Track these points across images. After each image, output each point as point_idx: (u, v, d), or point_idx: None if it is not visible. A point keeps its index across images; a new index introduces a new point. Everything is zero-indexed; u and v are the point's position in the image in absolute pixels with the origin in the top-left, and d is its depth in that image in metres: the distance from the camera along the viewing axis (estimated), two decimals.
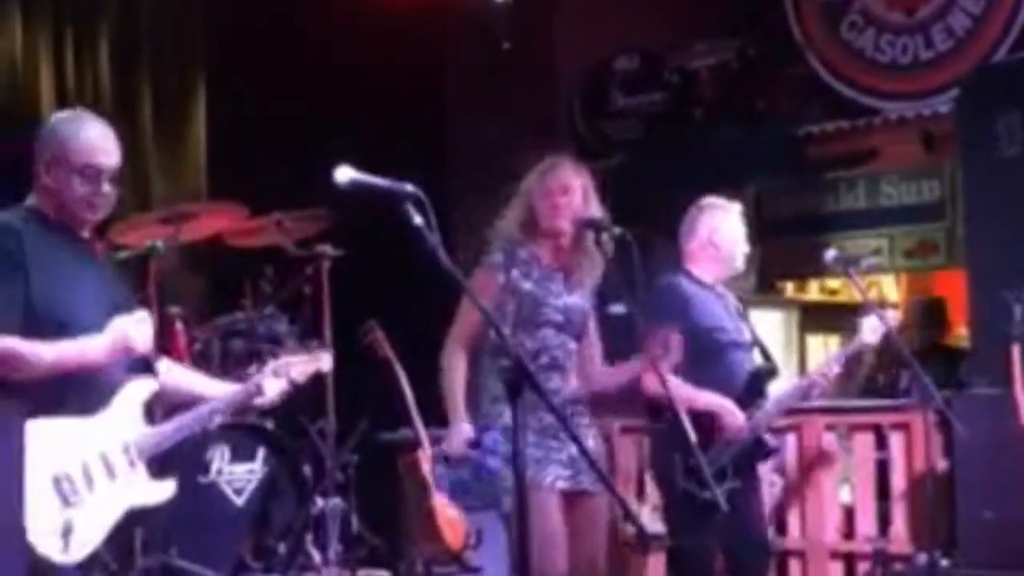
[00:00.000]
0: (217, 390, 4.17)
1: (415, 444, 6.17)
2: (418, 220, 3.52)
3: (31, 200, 3.87)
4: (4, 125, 7.06)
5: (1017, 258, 6.12)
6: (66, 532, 3.60)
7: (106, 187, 3.84)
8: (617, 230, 4.60)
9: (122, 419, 3.80)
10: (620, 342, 5.22)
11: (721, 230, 5.42)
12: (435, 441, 6.23)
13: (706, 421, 5.10)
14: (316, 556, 6.08)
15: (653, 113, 9.12)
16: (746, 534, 5.29)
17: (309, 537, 6.08)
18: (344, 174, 3.59)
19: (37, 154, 3.84)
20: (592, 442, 4.70)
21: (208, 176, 7.88)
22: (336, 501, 6.16)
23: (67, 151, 3.80)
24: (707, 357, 5.21)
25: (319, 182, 3.68)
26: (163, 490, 3.90)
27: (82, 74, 7.64)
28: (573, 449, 4.52)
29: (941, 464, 6.14)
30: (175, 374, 4.17)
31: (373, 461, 6.58)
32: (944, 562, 5.70)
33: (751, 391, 5.30)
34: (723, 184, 8.98)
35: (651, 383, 5.17)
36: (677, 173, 8.67)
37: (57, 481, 3.62)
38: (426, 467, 6.05)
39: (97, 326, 3.74)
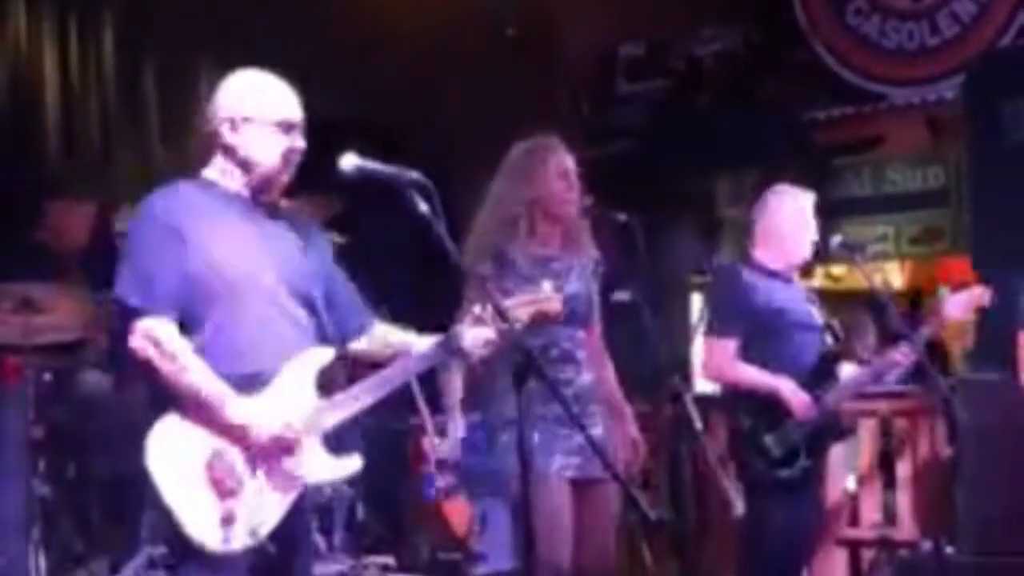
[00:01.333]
0: (415, 345, 3.81)
1: (421, 431, 6.19)
2: (423, 207, 3.52)
3: (205, 172, 3.68)
4: (8, 108, 7.07)
5: (1022, 244, 6.11)
6: (226, 521, 3.40)
7: (300, 141, 3.64)
8: (622, 217, 4.58)
9: (291, 394, 3.55)
10: (625, 329, 5.22)
11: (788, 217, 5.40)
12: (440, 429, 6.25)
13: (776, 402, 5.15)
14: (321, 543, 6.09)
15: (658, 100, 9.11)
16: (809, 514, 5.32)
17: (315, 524, 6.08)
18: (349, 161, 3.58)
19: (214, 118, 3.65)
20: (601, 430, 4.66)
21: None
22: (342, 488, 6.16)
23: (260, 108, 3.61)
24: (774, 339, 5.23)
25: (325, 168, 3.67)
26: (346, 466, 3.62)
27: (86, 58, 7.63)
28: (582, 437, 4.50)
29: (946, 451, 6.14)
30: (375, 341, 3.86)
31: (378, 448, 6.59)
32: (949, 549, 5.70)
33: (820, 373, 5.30)
34: (728, 171, 9.05)
35: (716, 366, 5.23)
36: (682, 160, 8.67)
37: (211, 468, 3.43)
38: (430, 453, 6.06)
39: (272, 293, 3.57)
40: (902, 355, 5.26)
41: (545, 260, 4.63)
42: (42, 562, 5.41)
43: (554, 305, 3.84)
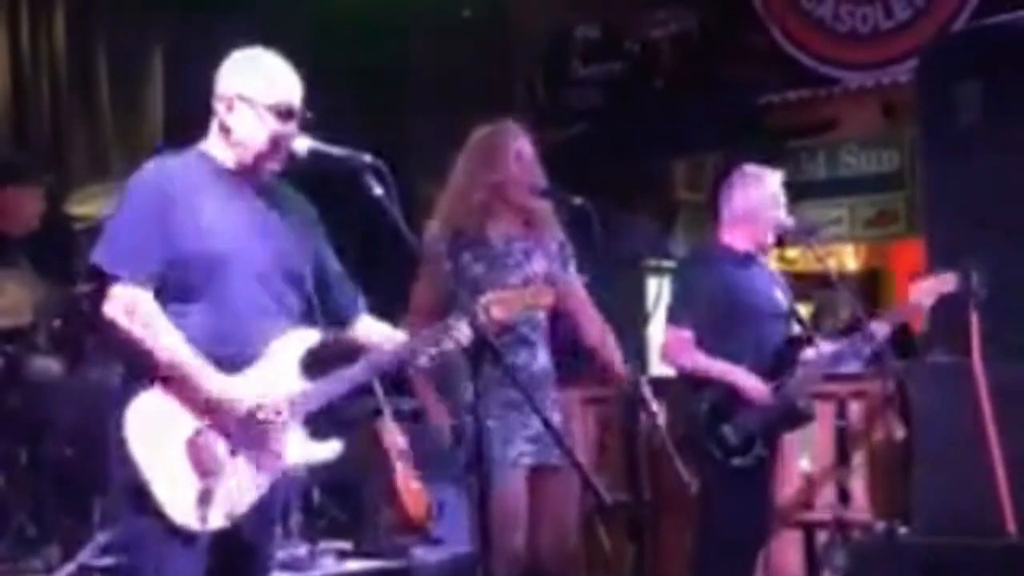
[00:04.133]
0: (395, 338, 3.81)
1: (376, 414, 6.15)
2: (378, 190, 3.50)
3: (203, 144, 3.63)
4: None
5: (975, 226, 6.13)
6: (203, 500, 3.36)
7: (293, 127, 3.58)
8: (577, 200, 4.58)
9: (273, 374, 3.53)
10: None
11: (753, 200, 5.40)
12: (396, 412, 6.23)
13: (733, 390, 5.19)
14: (278, 528, 6.05)
15: (613, 82, 9.09)
16: (763, 501, 5.34)
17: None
18: (302, 144, 3.56)
19: (217, 95, 3.60)
20: (557, 416, 4.66)
21: (166, 144, 7.82)
22: (298, 473, 6.13)
23: (257, 89, 3.56)
24: (737, 325, 5.25)
25: None
26: (326, 450, 3.63)
27: (37, 40, 7.55)
28: (538, 424, 4.50)
29: (900, 433, 6.17)
30: (359, 331, 3.84)
31: (333, 431, 6.54)
32: (903, 530, 5.73)
33: (783, 360, 5.31)
34: (683, 153, 9.06)
35: (672, 355, 5.23)
36: (638, 143, 8.66)
37: (192, 446, 3.39)
38: (387, 437, 6.03)
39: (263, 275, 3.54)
40: (862, 343, 5.29)
41: (508, 241, 4.64)
42: None
43: (547, 298, 3.87)
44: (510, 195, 4.66)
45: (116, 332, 3.42)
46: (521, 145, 4.70)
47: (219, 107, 3.59)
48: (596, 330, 4.76)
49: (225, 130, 3.58)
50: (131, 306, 3.41)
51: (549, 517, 4.59)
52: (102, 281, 3.45)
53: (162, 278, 3.46)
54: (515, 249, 4.66)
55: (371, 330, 3.84)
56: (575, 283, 4.80)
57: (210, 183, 3.56)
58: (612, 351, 4.77)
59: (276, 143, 3.56)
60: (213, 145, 3.62)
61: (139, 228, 3.46)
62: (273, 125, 3.55)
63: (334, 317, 3.77)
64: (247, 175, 3.61)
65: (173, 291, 3.47)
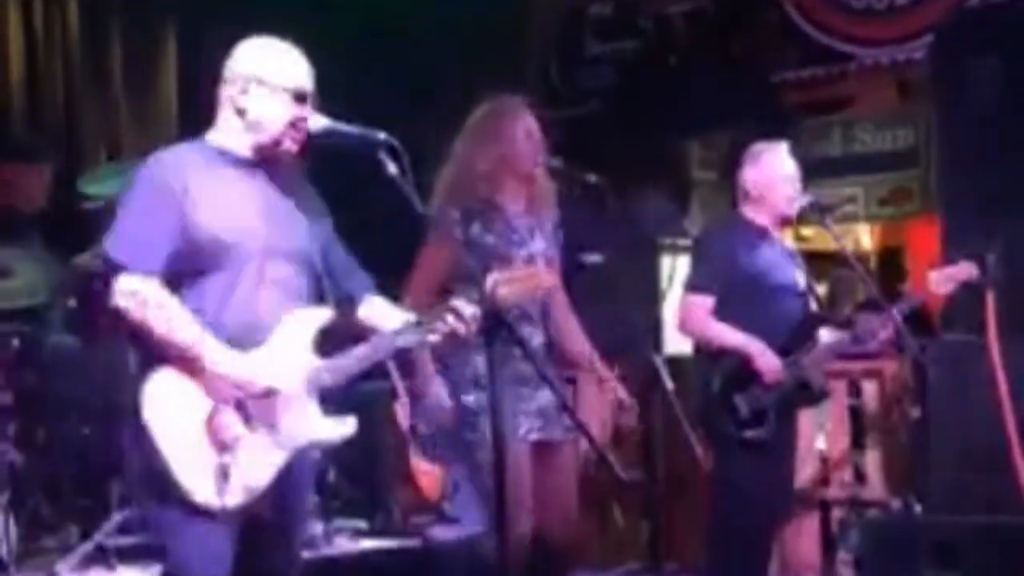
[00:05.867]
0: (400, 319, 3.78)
1: (391, 395, 6.17)
2: (392, 169, 3.51)
3: (210, 133, 3.64)
4: None
5: (991, 205, 6.12)
6: (222, 476, 3.37)
7: (309, 112, 3.59)
8: (592, 178, 4.57)
9: (287, 352, 3.53)
10: (594, 291, 5.22)
11: (763, 175, 5.40)
12: (411, 392, 6.23)
13: (748, 362, 5.18)
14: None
15: (627, 60, 9.07)
16: (778, 477, 5.33)
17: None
18: (317, 122, 3.57)
19: (228, 80, 3.60)
20: (549, 395, 4.65)
21: (179, 125, 7.82)
22: (312, 451, 6.14)
23: (274, 72, 3.56)
24: (754, 300, 5.24)
25: None
26: (342, 427, 3.62)
27: (51, 20, 7.55)
28: (542, 400, 4.51)
29: (915, 412, 6.17)
30: (367, 310, 3.80)
31: (348, 411, 6.55)
32: (918, 507, 5.74)
33: (799, 336, 5.31)
34: (698, 132, 9.03)
35: (690, 322, 5.23)
36: (652, 121, 8.64)
37: (210, 422, 3.40)
38: (402, 418, 6.04)
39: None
40: (881, 326, 5.28)
41: (514, 216, 4.63)
42: (12, 529, 5.38)
43: (547, 279, 3.87)
44: (518, 167, 4.65)
45: (128, 320, 3.43)
46: (527, 119, 4.69)
47: (231, 91, 3.59)
48: (561, 316, 4.77)
49: (240, 112, 3.58)
50: (141, 294, 3.41)
51: (554, 492, 4.59)
52: (112, 271, 3.45)
53: (172, 265, 3.46)
54: (520, 225, 4.65)
55: (382, 311, 3.82)
56: (558, 285, 4.79)
57: (218, 171, 3.56)
58: (575, 339, 4.78)
59: (294, 125, 3.56)
60: (222, 132, 3.63)
61: (147, 218, 3.47)
62: (291, 107, 3.56)
63: (344, 298, 3.77)
64: (260, 161, 3.61)
65: (184, 277, 3.49)
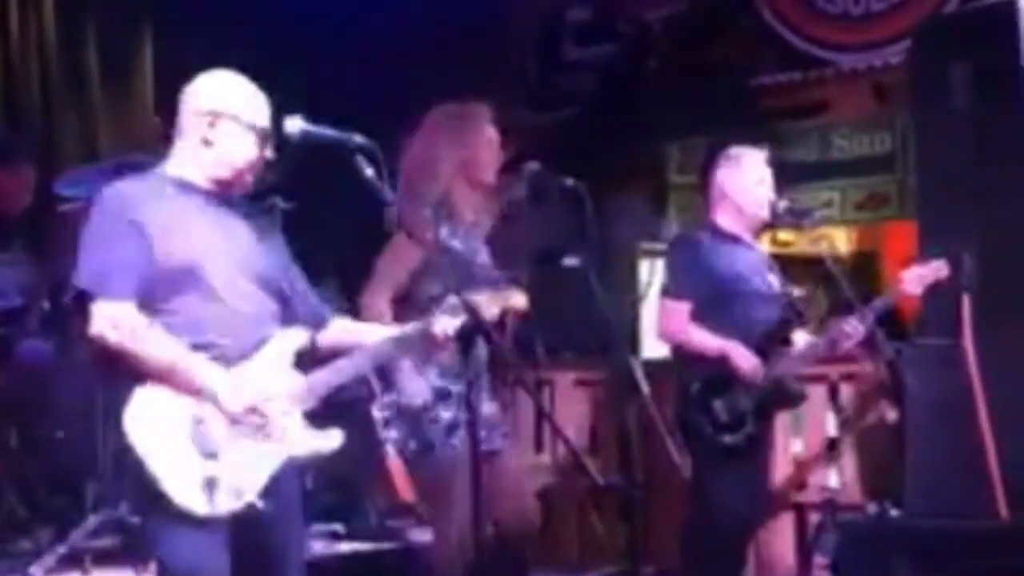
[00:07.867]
0: (382, 335, 3.85)
1: (367, 397, 6.15)
2: (369, 172, 3.51)
3: (168, 164, 3.66)
4: None
5: (967, 209, 6.13)
6: (210, 484, 3.38)
7: (269, 151, 3.66)
8: (570, 182, 4.58)
9: (270, 369, 3.58)
10: (572, 295, 5.20)
11: (732, 181, 5.41)
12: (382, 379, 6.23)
13: (726, 366, 5.18)
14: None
15: (606, 64, 9.08)
16: (755, 483, 5.32)
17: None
18: (294, 125, 3.57)
19: (193, 111, 3.65)
20: (490, 406, 4.68)
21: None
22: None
23: (242, 109, 3.62)
24: (728, 306, 5.24)
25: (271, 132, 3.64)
26: (328, 439, 3.68)
27: (25, 18, 7.52)
28: (485, 410, 4.49)
29: (891, 415, 6.17)
30: (338, 329, 3.87)
31: (324, 414, 6.54)
32: (894, 512, 5.75)
33: (773, 340, 5.31)
34: (676, 136, 9.04)
35: (668, 328, 5.22)
36: (630, 125, 8.65)
37: (196, 434, 3.42)
38: (378, 419, 6.02)
39: (231, 284, 3.56)
40: (853, 328, 5.27)
41: (469, 224, 4.69)
42: None
43: (521, 301, 3.89)
44: (479, 174, 4.68)
45: (106, 348, 3.44)
46: (489, 128, 4.72)
47: (198, 122, 3.62)
48: None
49: (206, 143, 3.60)
50: (116, 320, 3.43)
51: (505, 496, 4.59)
52: (86, 301, 3.46)
53: (141, 293, 3.48)
54: (474, 234, 4.69)
55: (358, 328, 3.90)
56: None
57: (176, 201, 3.58)
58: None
59: (252, 164, 3.63)
60: (181, 162, 3.65)
61: (111, 245, 3.48)
62: (257, 146, 3.61)
63: (309, 320, 3.79)
64: (216, 191, 3.64)
65: (155, 303, 3.50)
